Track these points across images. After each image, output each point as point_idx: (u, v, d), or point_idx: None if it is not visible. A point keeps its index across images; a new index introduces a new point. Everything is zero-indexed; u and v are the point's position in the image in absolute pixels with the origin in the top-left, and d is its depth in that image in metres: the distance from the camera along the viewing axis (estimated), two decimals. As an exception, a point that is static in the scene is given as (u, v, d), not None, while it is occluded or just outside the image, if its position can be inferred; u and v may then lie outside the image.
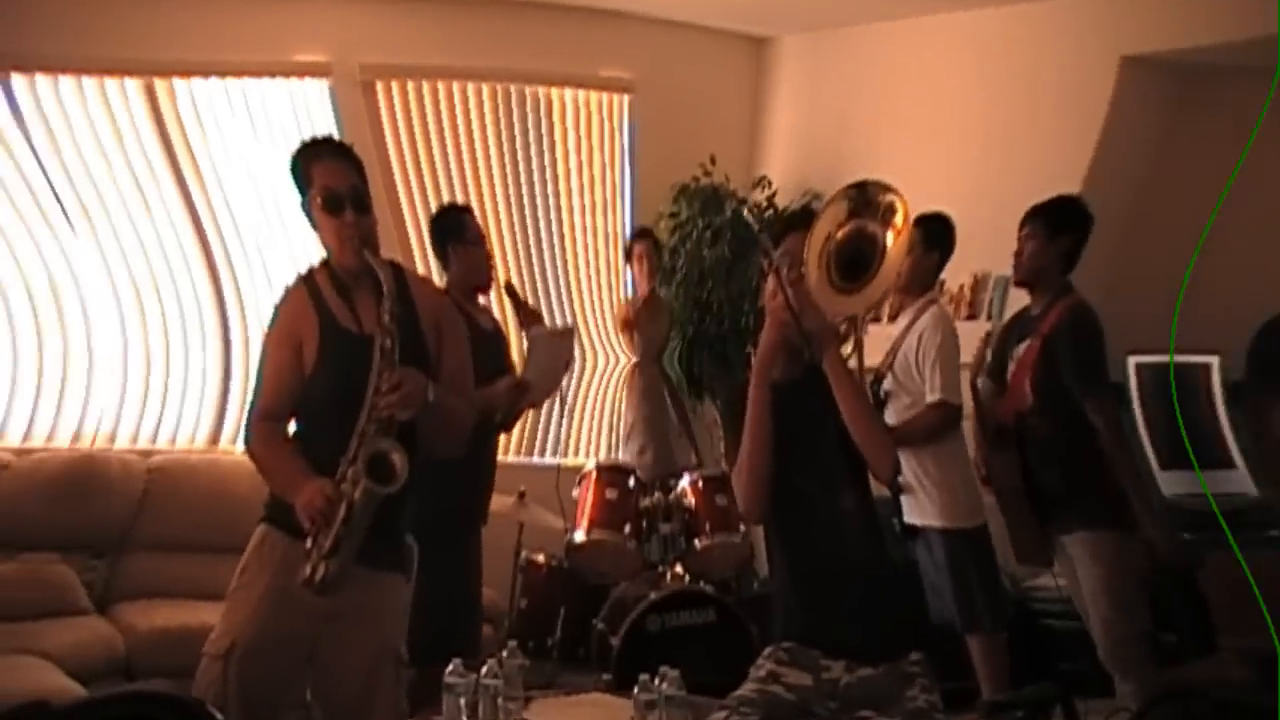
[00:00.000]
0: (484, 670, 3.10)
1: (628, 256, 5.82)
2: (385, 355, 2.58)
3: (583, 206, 6.47)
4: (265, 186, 5.43)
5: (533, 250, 6.35)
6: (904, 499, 4.02)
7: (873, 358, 4.08)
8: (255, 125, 5.50)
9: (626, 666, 4.32)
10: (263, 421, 2.74)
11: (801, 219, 2.76)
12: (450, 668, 3.10)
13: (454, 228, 4.10)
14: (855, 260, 2.61)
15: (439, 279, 4.17)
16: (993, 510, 4.06)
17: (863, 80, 6.33)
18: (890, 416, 4.04)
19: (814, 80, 6.70)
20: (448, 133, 6.08)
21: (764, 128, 6.92)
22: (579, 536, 4.94)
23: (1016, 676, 4.05)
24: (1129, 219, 5.31)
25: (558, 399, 5.05)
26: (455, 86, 6.09)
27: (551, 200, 6.36)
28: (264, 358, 2.79)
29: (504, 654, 3.23)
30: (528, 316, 4.35)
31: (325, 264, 2.79)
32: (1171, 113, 5.43)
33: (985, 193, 5.24)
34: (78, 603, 4.44)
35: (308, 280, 2.77)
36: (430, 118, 6.04)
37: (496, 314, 4.58)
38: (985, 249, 4.68)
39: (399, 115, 5.95)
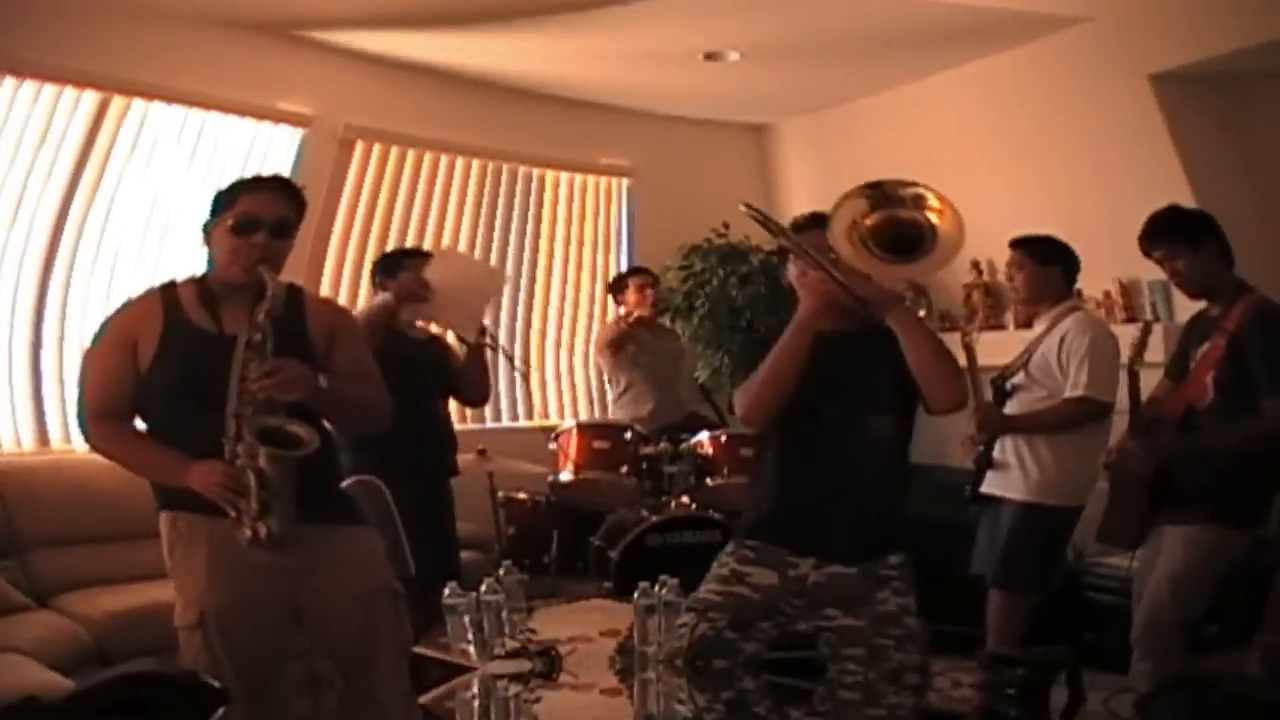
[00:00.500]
0: (483, 588, 3.06)
1: (616, 290, 5.73)
2: (253, 347, 2.61)
3: (571, 279, 6.56)
4: (161, 212, 5.27)
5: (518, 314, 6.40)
6: (990, 474, 4.08)
7: (1000, 358, 4.25)
8: (195, 155, 5.36)
9: (626, 575, 4.28)
10: (100, 421, 2.70)
11: (809, 222, 2.76)
12: (447, 591, 3.06)
13: (387, 267, 4.31)
14: (900, 241, 2.61)
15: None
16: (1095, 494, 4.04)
17: (877, 148, 6.26)
18: (1013, 407, 4.10)
19: (824, 157, 6.75)
20: (420, 195, 6.05)
21: (779, 213, 6.93)
22: (565, 476, 4.87)
23: (1040, 638, 3.93)
24: (1258, 219, 5.20)
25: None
26: (443, 158, 6.08)
27: (541, 271, 6.45)
28: (92, 356, 2.75)
29: (501, 572, 3.19)
30: None
31: (198, 279, 2.78)
32: (1238, 118, 5.35)
33: (1083, 213, 5.20)
34: (17, 600, 4.24)
35: (165, 289, 2.76)
36: (406, 179, 5.97)
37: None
38: (1116, 256, 4.60)
39: (370, 175, 5.86)
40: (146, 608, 4.05)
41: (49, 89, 4.94)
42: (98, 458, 2.76)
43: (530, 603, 3.32)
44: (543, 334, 6.55)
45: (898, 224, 2.60)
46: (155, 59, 5.14)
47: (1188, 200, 4.57)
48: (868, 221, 2.60)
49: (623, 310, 5.70)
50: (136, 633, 4.02)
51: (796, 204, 6.69)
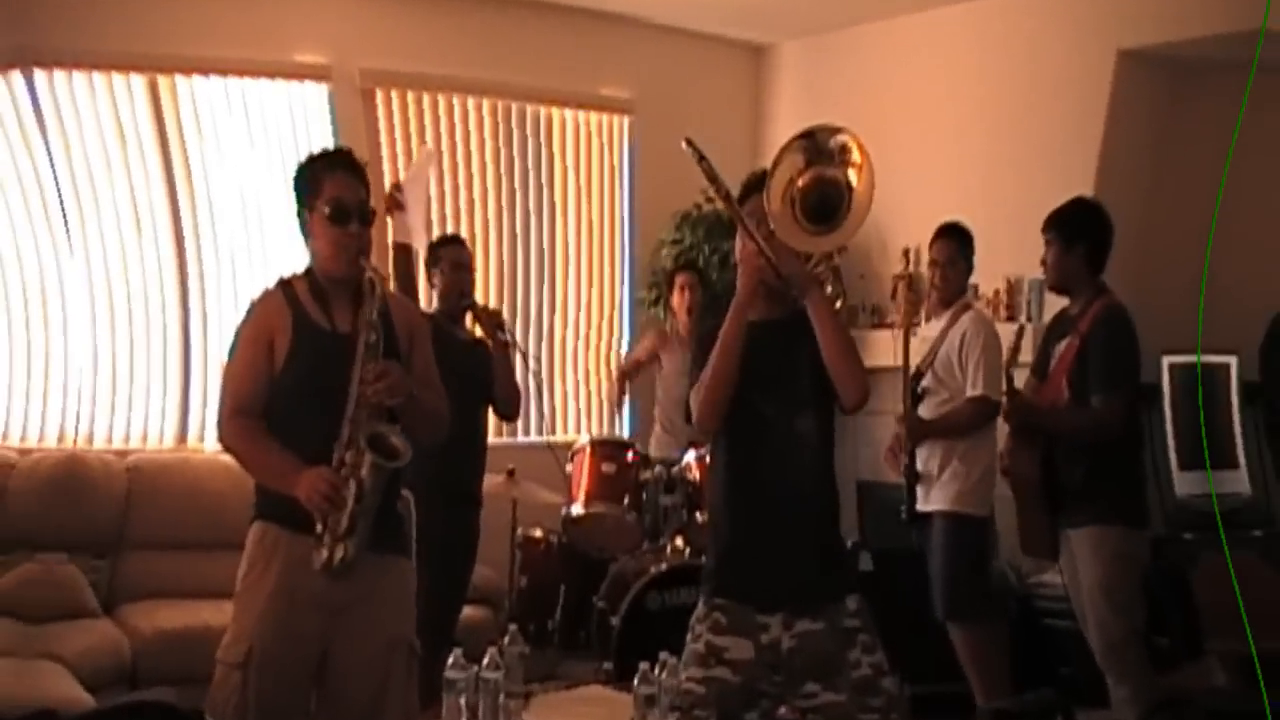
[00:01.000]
0: (485, 661, 3.16)
1: (669, 286, 5.77)
2: (370, 348, 2.64)
3: (579, 224, 6.56)
4: (250, 192, 5.48)
5: (528, 265, 6.42)
6: (919, 488, 4.18)
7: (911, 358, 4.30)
8: (251, 128, 5.54)
9: (627, 647, 4.37)
10: (237, 418, 2.74)
11: (759, 184, 2.70)
12: (451, 660, 3.15)
13: (429, 259, 4.41)
14: (823, 206, 2.60)
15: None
16: (1005, 504, 4.12)
17: (862, 81, 6.39)
18: (925, 410, 4.20)
19: (814, 86, 6.78)
20: (445, 145, 6.12)
21: (766, 140, 6.96)
22: (576, 510, 4.96)
23: (1015, 676, 4.11)
24: (1146, 215, 5.41)
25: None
26: (456, 100, 6.14)
27: (546, 216, 6.44)
28: (234, 355, 2.79)
29: (505, 640, 3.29)
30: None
31: (305, 273, 2.82)
32: (1168, 107, 5.55)
33: (1002, 195, 5.41)
34: (87, 605, 4.47)
35: (284, 285, 2.81)
36: (429, 129, 6.07)
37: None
38: (1012, 253, 4.88)
39: (397, 125, 5.98)
40: (191, 630, 4.26)
41: (99, 77, 5.14)
42: (220, 459, 2.84)
43: (529, 685, 3.43)
44: (564, 318, 6.55)
45: (822, 184, 2.59)
46: (175, 29, 5.29)
47: (1088, 183, 4.84)
48: (800, 181, 2.59)
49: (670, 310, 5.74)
50: (170, 656, 4.22)
51: (785, 134, 6.83)
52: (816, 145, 2.61)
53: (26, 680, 3.69)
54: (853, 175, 2.58)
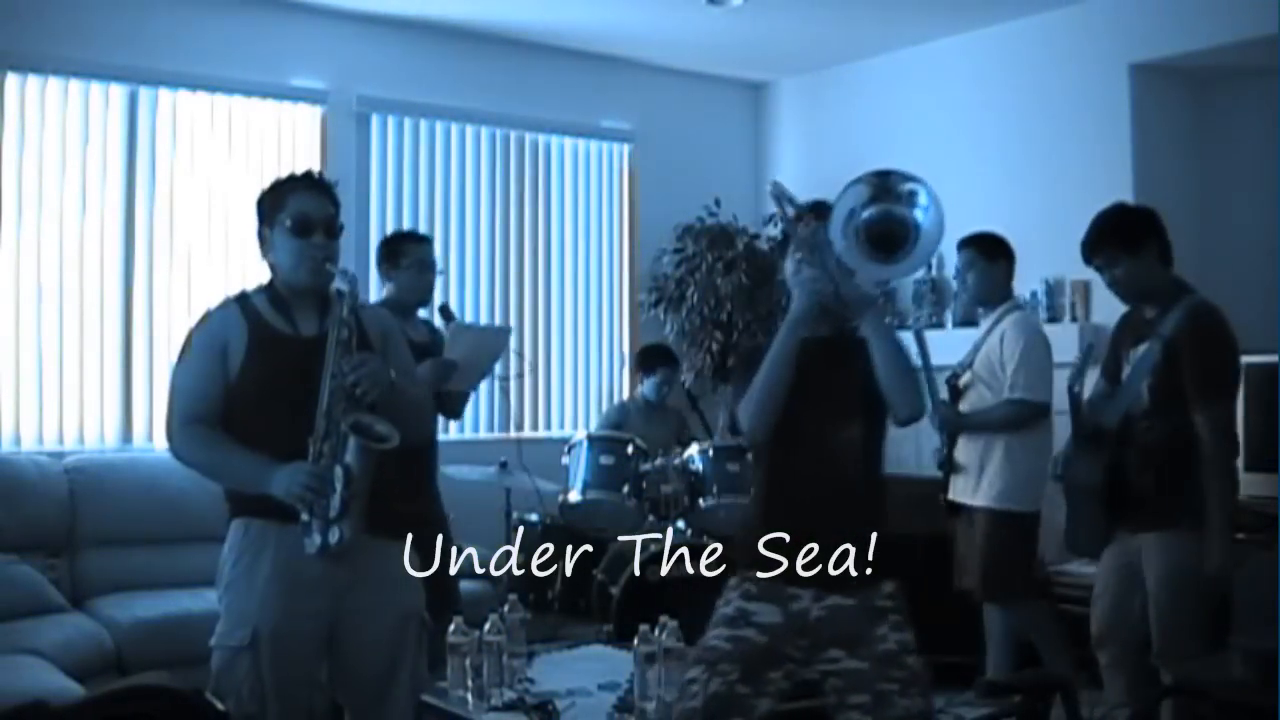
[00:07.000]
0: (486, 627, 3.13)
1: (646, 369, 5.72)
2: (343, 344, 2.66)
3: (577, 236, 6.61)
4: (218, 200, 5.47)
5: (522, 274, 6.42)
6: (954, 478, 4.26)
7: (952, 357, 4.44)
8: (232, 142, 5.54)
9: (627, 615, 4.33)
10: (193, 425, 2.72)
11: (813, 209, 2.76)
12: (453, 627, 3.13)
13: (389, 254, 4.16)
14: (887, 239, 2.63)
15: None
16: (1048, 503, 4.14)
17: (867, 115, 6.46)
18: (964, 406, 4.29)
19: (815, 121, 6.85)
20: (438, 168, 6.14)
21: (768, 170, 7.01)
22: (574, 497, 4.92)
23: (1027, 657, 4.16)
24: (1199, 219, 5.39)
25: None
26: (454, 127, 6.19)
27: (543, 227, 6.48)
28: (184, 365, 2.77)
29: (505, 609, 3.26)
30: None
31: (264, 288, 2.83)
32: (1198, 113, 5.56)
33: (1029, 202, 5.52)
34: (53, 600, 4.39)
35: (240, 298, 2.82)
36: (424, 153, 6.10)
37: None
38: (1049, 255, 4.95)
39: (390, 148, 6.00)
40: (172, 618, 4.23)
41: (75, 84, 5.13)
42: (169, 459, 2.78)
43: (531, 646, 3.39)
44: (559, 325, 6.57)
45: (888, 220, 2.62)
46: (169, 44, 5.30)
47: (1128, 195, 4.77)
48: (864, 213, 2.62)
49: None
50: (156, 643, 4.18)
51: (785, 167, 6.87)
52: (887, 185, 2.65)
53: (8, 674, 3.59)
54: (919, 215, 2.63)
